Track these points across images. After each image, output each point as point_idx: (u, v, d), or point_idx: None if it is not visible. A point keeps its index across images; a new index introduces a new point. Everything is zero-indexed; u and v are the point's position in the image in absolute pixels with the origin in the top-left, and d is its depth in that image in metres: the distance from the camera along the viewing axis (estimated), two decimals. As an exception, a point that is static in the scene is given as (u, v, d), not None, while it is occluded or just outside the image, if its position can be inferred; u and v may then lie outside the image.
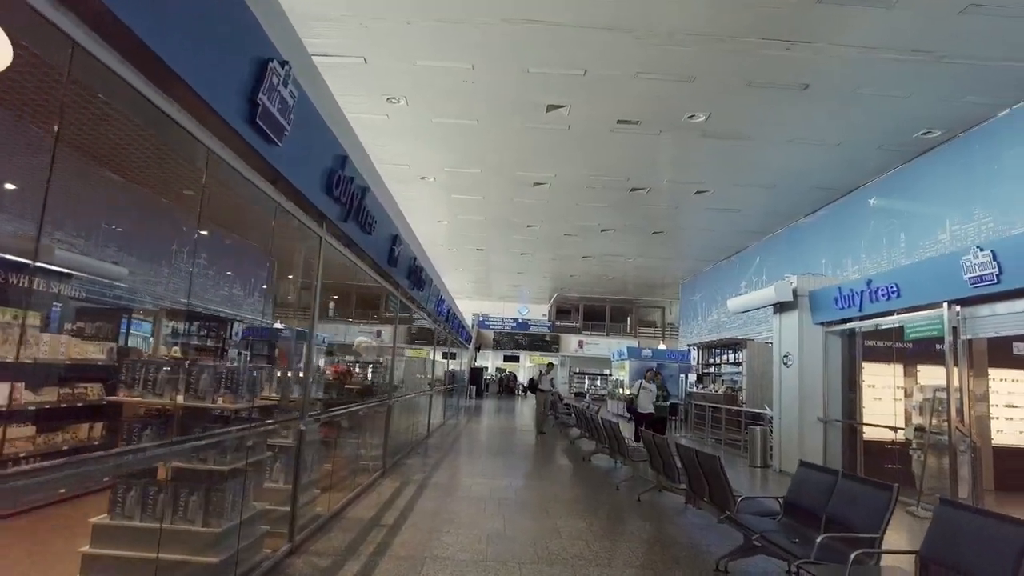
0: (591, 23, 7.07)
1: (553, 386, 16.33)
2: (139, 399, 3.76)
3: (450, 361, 19.44)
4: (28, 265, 4.46)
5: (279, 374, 5.04)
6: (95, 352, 5.80)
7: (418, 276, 8.75)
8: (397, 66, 8.32)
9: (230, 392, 3.87)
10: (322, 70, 8.11)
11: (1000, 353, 8.24)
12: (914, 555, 3.03)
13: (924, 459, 7.26)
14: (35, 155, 3.38)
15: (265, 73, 3.09)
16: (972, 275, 6.58)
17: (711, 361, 17.24)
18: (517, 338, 33.47)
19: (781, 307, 10.42)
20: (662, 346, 26.65)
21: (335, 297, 24.52)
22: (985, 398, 8.17)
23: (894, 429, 8.18)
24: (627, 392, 19.21)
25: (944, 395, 7.16)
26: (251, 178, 3.43)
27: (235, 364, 6.51)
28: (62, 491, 4.05)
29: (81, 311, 6.15)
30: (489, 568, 4.31)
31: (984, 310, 6.83)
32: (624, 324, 33.45)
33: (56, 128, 2.89)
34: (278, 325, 7.97)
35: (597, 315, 33.25)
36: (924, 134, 9.23)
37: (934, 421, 7.18)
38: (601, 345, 31.59)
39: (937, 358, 7.58)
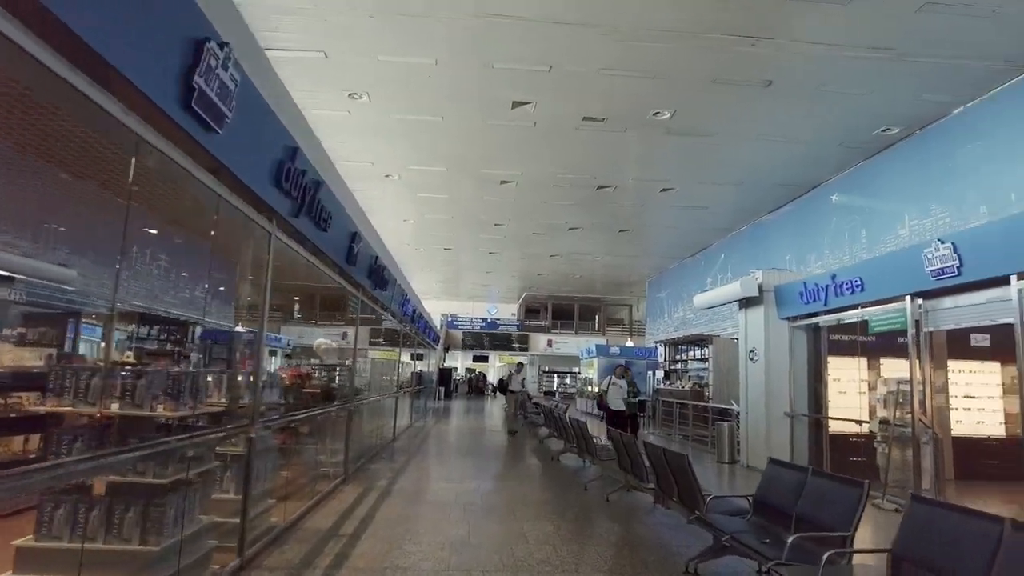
0: (556, 18, 6.94)
1: (523, 386, 16.17)
2: (69, 408, 3.46)
3: (417, 362, 19.14)
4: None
5: (227, 379, 4.75)
6: (32, 359, 5.43)
7: (380, 275, 8.49)
8: (359, 61, 8.05)
9: (171, 399, 3.61)
10: (282, 65, 7.85)
11: (958, 345, 8.41)
12: (887, 553, 2.96)
13: (888, 451, 7.34)
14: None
15: (202, 54, 2.87)
16: (934, 268, 6.65)
17: (678, 358, 17.36)
18: (486, 338, 33.26)
19: (747, 303, 10.45)
20: (630, 343, 26.84)
21: (296, 299, 23.97)
22: (944, 389, 8.33)
23: (859, 423, 8.27)
24: (596, 389, 19.19)
25: (907, 388, 7.25)
26: (189, 167, 3.18)
27: (179, 369, 6.21)
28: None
29: (28, 316, 5.80)
30: (453, 578, 4.14)
31: (946, 302, 6.91)
32: (592, 322, 33.64)
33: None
34: (239, 328, 7.64)
35: (566, 314, 33.35)
36: (883, 131, 9.37)
37: (897, 414, 7.26)
38: (570, 343, 31.65)
39: (900, 351, 7.67)
